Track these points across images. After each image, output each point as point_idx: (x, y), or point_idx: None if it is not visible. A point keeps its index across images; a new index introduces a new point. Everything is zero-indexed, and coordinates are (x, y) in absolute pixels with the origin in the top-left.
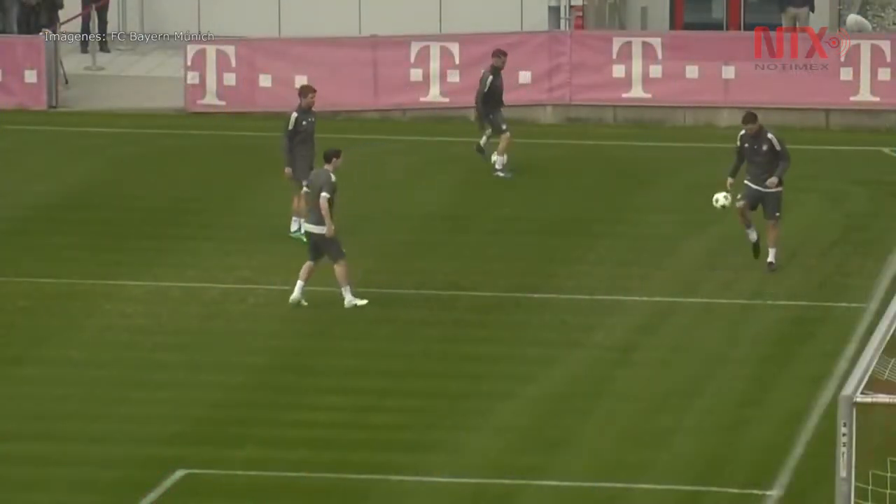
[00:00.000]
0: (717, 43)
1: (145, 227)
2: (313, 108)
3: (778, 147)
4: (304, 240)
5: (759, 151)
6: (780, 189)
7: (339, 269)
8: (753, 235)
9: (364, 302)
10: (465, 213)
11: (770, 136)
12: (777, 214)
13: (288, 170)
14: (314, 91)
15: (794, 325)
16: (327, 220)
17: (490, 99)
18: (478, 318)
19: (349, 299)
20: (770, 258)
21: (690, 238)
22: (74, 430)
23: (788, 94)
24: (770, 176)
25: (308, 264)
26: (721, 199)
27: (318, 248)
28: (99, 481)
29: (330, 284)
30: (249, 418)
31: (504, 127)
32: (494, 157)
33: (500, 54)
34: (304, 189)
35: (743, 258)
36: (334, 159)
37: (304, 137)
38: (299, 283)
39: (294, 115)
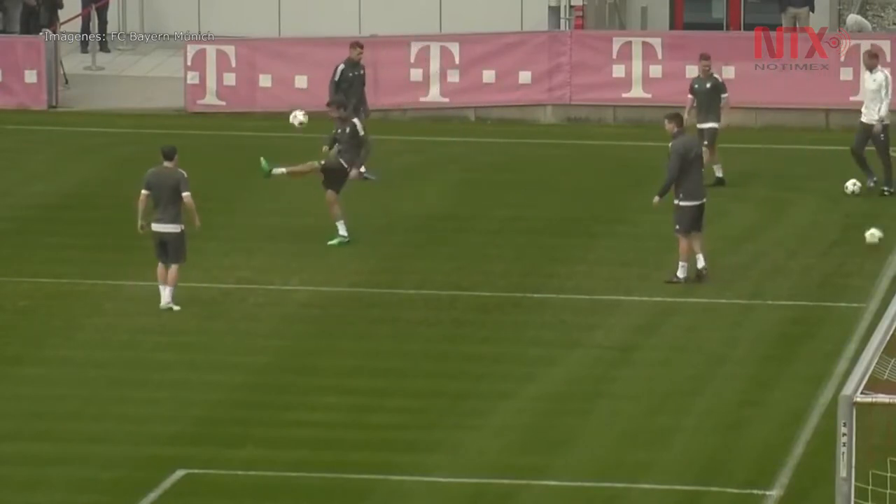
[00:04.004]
0: (717, 43)
1: None
2: (361, 62)
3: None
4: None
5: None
6: (677, 203)
7: (176, 270)
8: (681, 272)
9: (177, 308)
10: (465, 213)
11: (671, 144)
12: (676, 227)
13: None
14: (361, 47)
15: (794, 325)
16: (196, 216)
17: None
18: (478, 318)
19: (169, 301)
20: (698, 264)
21: None
22: (74, 430)
23: (788, 94)
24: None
25: (161, 266)
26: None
27: (166, 247)
28: (99, 481)
29: (329, 284)
30: (249, 418)
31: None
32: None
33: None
34: (144, 192)
35: (743, 258)
36: (176, 156)
37: (346, 87)
38: (163, 288)
39: (340, 66)
